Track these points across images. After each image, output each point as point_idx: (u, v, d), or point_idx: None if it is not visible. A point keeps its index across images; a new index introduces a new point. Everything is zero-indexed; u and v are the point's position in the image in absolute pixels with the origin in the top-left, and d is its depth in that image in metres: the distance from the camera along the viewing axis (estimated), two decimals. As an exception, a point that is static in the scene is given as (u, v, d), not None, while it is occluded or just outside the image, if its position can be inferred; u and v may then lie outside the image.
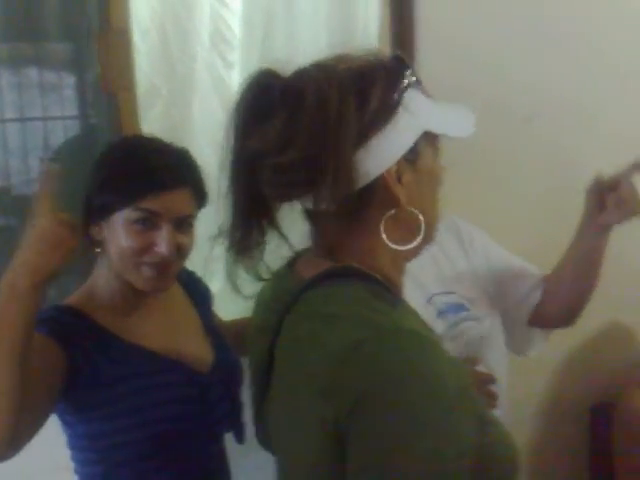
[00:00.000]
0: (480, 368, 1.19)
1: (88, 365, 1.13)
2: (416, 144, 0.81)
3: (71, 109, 1.55)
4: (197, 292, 1.38)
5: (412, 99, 0.81)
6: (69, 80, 1.55)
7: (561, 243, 1.49)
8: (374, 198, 0.80)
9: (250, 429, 1.26)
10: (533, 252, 1.54)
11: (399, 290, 0.87)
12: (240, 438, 1.29)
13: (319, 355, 0.76)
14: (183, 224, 1.18)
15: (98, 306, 1.20)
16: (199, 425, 1.21)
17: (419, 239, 0.83)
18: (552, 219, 1.69)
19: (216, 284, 1.66)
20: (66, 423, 1.18)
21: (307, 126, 0.76)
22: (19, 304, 0.99)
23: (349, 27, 1.68)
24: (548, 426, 2.00)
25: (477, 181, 1.72)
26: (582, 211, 1.38)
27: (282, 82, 0.80)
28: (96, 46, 1.48)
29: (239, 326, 1.27)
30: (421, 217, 0.82)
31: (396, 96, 0.80)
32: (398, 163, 0.80)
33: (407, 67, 0.83)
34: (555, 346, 1.93)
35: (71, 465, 1.22)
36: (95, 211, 1.17)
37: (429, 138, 0.83)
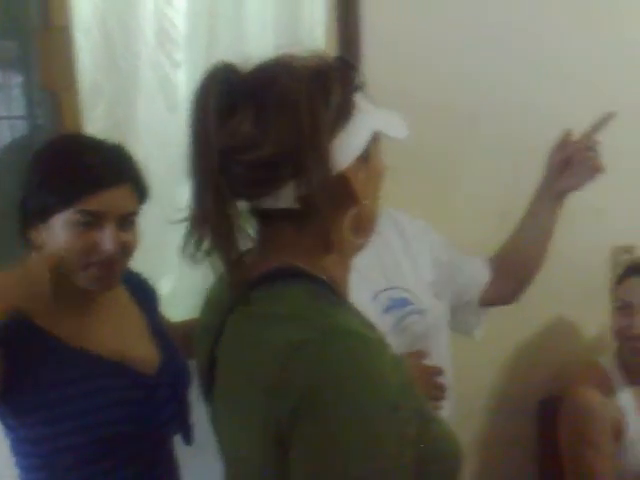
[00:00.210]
0: (427, 361, 1.20)
1: (27, 368, 1.10)
2: (367, 143, 0.83)
3: (18, 109, 1.52)
4: (143, 293, 1.36)
5: (361, 100, 0.83)
6: (17, 79, 1.52)
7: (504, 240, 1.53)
8: (331, 196, 0.80)
9: (198, 430, 1.25)
10: (477, 249, 1.57)
11: (344, 290, 0.88)
12: (188, 440, 1.28)
13: (262, 355, 0.76)
14: (126, 222, 1.16)
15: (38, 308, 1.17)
16: (146, 428, 1.19)
17: (369, 234, 0.85)
18: (497, 217, 1.72)
19: (166, 285, 1.64)
20: (8, 427, 1.15)
21: (279, 121, 0.76)
22: None
23: (296, 29, 1.68)
24: (497, 420, 2.04)
25: (423, 180, 1.75)
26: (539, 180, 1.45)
27: (244, 77, 0.80)
28: (37, 44, 1.45)
29: (187, 327, 1.26)
30: (373, 213, 0.85)
31: (352, 96, 0.82)
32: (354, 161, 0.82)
33: (355, 69, 0.85)
34: (502, 341, 1.98)
35: (15, 472, 1.19)
36: (33, 214, 1.14)
37: (375, 138, 0.85)
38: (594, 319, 2.05)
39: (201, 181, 0.79)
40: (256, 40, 1.63)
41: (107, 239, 1.12)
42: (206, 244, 0.81)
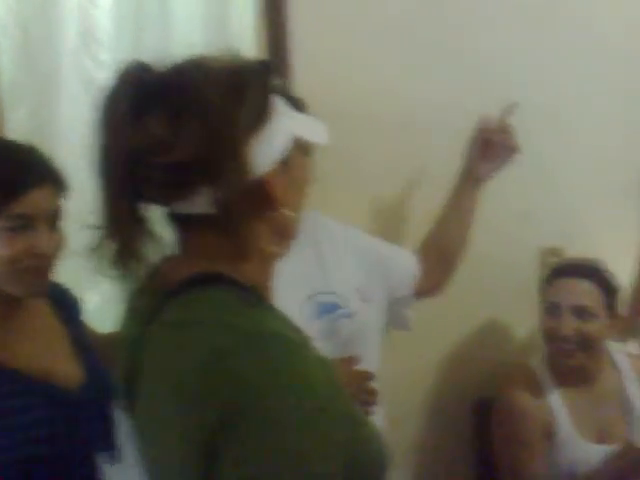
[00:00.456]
0: (358, 366, 1.20)
1: None
2: (287, 148, 0.81)
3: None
4: (65, 304, 1.31)
5: (280, 104, 0.82)
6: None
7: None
8: (249, 201, 0.78)
9: (125, 448, 1.21)
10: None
11: (267, 294, 0.86)
12: (114, 458, 1.23)
13: (185, 363, 0.74)
14: (54, 222, 1.14)
15: None
16: (70, 447, 1.15)
17: (287, 242, 0.84)
18: (426, 224, 1.73)
19: (93, 298, 1.59)
20: None
21: (193, 123, 0.73)
22: None
23: (224, 29, 1.66)
24: (431, 422, 2.05)
25: (350, 187, 1.75)
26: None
27: (158, 77, 0.77)
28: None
29: (114, 338, 1.22)
30: (293, 221, 0.83)
31: (269, 98, 0.80)
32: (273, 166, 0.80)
33: (273, 71, 0.83)
34: (435, 344, 1.99)
35: None
36: None
37: (296, 143, 0.83)
38: (525, 321, 2.08)
39: (109, 185, 0.76)
40: (183, 40, 1.60)
41: (42, 240, 1.10)
42: (116, 251, 0.77)
